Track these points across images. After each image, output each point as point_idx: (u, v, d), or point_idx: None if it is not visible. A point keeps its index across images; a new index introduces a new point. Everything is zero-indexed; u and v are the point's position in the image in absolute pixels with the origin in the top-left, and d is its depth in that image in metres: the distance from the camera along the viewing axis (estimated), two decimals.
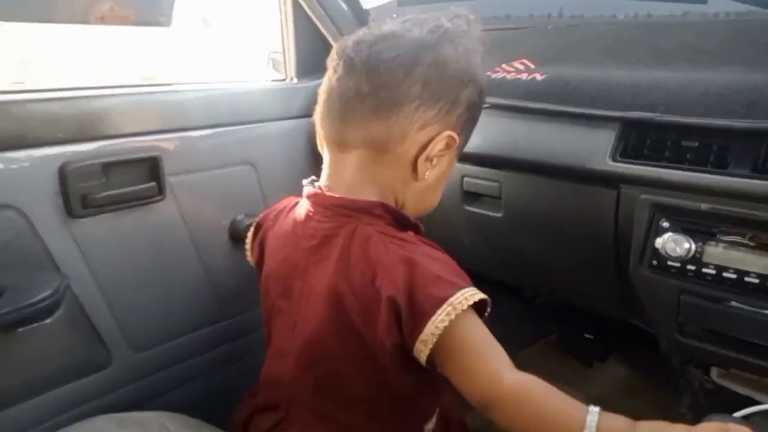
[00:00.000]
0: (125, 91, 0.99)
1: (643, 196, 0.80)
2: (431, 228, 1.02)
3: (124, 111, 0.97)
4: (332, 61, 0.72)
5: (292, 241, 0.75)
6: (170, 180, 1.03)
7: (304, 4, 1.17)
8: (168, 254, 1.06)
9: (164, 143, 1.02)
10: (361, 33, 0.71)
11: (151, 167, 1.00)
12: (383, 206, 0.70)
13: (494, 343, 0.64)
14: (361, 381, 0.72)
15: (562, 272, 1.00)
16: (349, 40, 0.71)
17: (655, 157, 0.79)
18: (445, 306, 0.61)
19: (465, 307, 0.62)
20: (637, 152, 0.80)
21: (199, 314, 1.13)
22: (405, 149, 0.69)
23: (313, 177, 0.78)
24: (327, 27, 1.22)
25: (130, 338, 1.04)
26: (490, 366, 0.62)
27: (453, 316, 0.61)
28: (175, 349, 1.10)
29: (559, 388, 1.45)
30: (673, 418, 1.14)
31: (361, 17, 1.26)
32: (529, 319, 1.51)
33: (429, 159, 0.70)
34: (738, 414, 0.63)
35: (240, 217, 1.15)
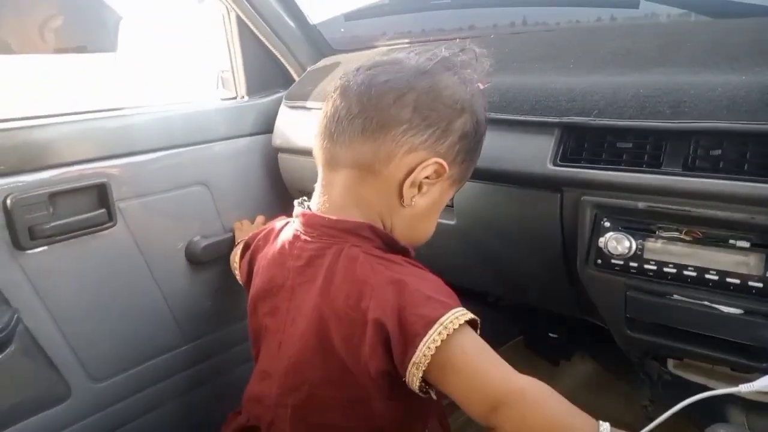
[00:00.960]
0: (69, 119, 0.98)
1: (584, 198, 0.82)
2: None
3: (68, 139, 0.96)
4: (335, 85, 0.73)
5: (279, 261, 0.75)
6: (120, 205, 1.02)
7: (248, 22, 1.18)
8: (123, 281, 1.05)
9: (112, 169, 1.01)
10: (363, 61, 0.73)
11: (99, 194, 0.99)
12: (371, 228, 0.70)
13: (493, 355, 0.63)
14: (341, 409, 0.71)
15: (517, 275, 1.02)
16: (353, 66, 0.72)
17: (594, 159, 0.81)
18: (436, 326, 0.60)
19: (456, 326, 0.61)
20: (576, 155, 0.83)
21: (159, 340, 1.12)
22: (391, 172, 0.68)
23: (304, 198, 0.78)
24: (274, 43, 1.22)
25: (89, 368, 1.02)
26: (498, 371, 0.61)
27: (444, 336, 0.60)
28: (137, 376, 1.09)
29: None
30: (637, 410, 1.18)
31: (308, 32, 1.26)
32: (494, 322, 1.52)
33: (415, 185, 0.69)
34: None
35: (196, 238, 1.14)
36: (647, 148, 0.78)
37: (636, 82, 0.81)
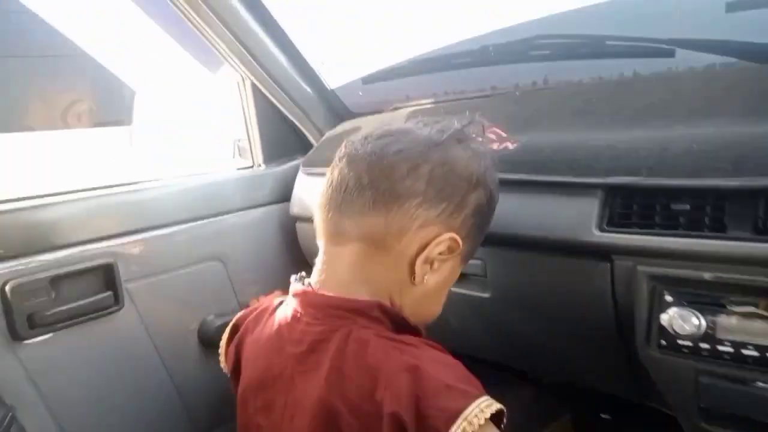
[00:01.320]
0: (74, 197, 0.93)
1: (639, 268, 0.72)
2: None
3: (73, 218, 0.91)
4: (339, 153, 0.69)
5: (275, 347, 0.68)
6: (128, 287, 0.96)
7: (264, 90, 1.14)
8: (130, 368, 0.97)
9: (119, 248, 0.95)
10: (371, 129, 0.69)
11: (106, 275, 0.93)
12: (381, 307, 0.64)
13: None
14: None
15: (563, 354, 0.91)
16: (358, 135, 0.69)
17: (645, 223, 0.72)
18: (459, 421, 0.53)
19: (482, 421, 0.54)
20: (625, 219, 0.73)
21: (170, 430, 1.02)
22: (403, 247, 0.64)
23: (302, 273, 0.71)
24: (290, 110, 1.18)
25: None
26: None
27: None
28: None
29: None
30: None
31: (325, 97, 1.22)
32: (538, 400, 1.39)
33: (428, 261, 0.65)
34: None
35: (210, 317, 1.06)
36: (707, 209, 0.68)
37: (685, 136, 0.73)
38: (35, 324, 0.85)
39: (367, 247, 0.64)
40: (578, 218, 0.76)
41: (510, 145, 0.87)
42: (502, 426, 0.58)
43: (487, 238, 0.87)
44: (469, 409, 0.54)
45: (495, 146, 0.89)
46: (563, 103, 0.94)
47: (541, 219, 0.80)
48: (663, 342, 0.71)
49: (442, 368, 0.58)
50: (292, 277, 0.71)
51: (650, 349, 0.73)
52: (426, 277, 0.65)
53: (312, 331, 0.63)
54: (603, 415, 1.25)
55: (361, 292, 0.64)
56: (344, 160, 0.67)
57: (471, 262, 0.91)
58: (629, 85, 0.94)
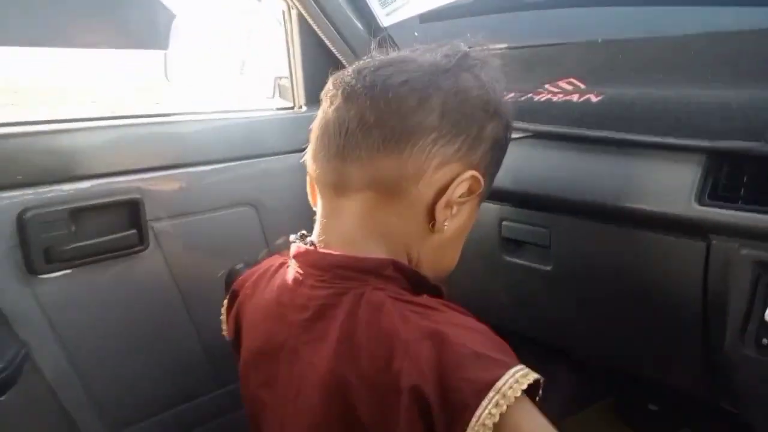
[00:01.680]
0: (100, 124, 0.85)
1: (743, 251, 0.60)
2: (459, 283, 0.84)
3: (98, 148, 0.84)
4: (327, 92, 0.59)
5: (276, 314, 0.59)
6: (154, 226, 0.89)
7: (312, 22, 1.03)
8: (152, 314, 0.91)
9: (147, 183, 0.87)
10: (362, 62, 0.60)
11: (131, 212, 0.86)
12: (395, 265, 0.55)
13: None
14: None
15: (628, 342, 0.80)
16: (348, 69, 0.59)
17: (756, 199, 0.60)
18: (491, 394, 0.46)
19: (518, 393, 0.46)
20: (732, 193, 0.61)
21: (189, 383, 0.97)
22: (420, 192, 0.55)
23: (303, 231, 0.62)
24: (339, 47, 1.07)
25: (106, 415, 0.89)
26: None
27: (504, 408, 0.45)
28: (161, 424, 0.95)
29: None
30: None
31: (378, 36, 1.11)
32: (580, 382, 1.30)
33: (449, 205, 0.57)
34: None
35: (239, 266, 0.98)
36: None
37: None
38: (52, 258, 0.79)
39: (378, 196, 0.56)
40: (673, 187, 0.64)
41: (593, 98, 0.76)
42: (537, 399, 0.50)
43: (557, 203, 0.77)
44: (503, 379, 0.46)
45: (575, 98, 0.78)
46: (659, 55, 0.81)
47: (625, 185, 0.69)
48: (764, 341, 0.60)
49: (470, 334, 0.51)
50: (292, 236, 0.62)
51: (744, 347, 0.62)
52: (446, 223, 0.57)
53: (317, 296, 0.55)
54: (651, 406, 1.16)
55: (373, 248, 0.57)
56: (339, 98, 0.56)
57: (532, 229, 0.82)
58: (733, 39, 0.80)
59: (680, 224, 0.64)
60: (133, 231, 0.86)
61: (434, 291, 0.58)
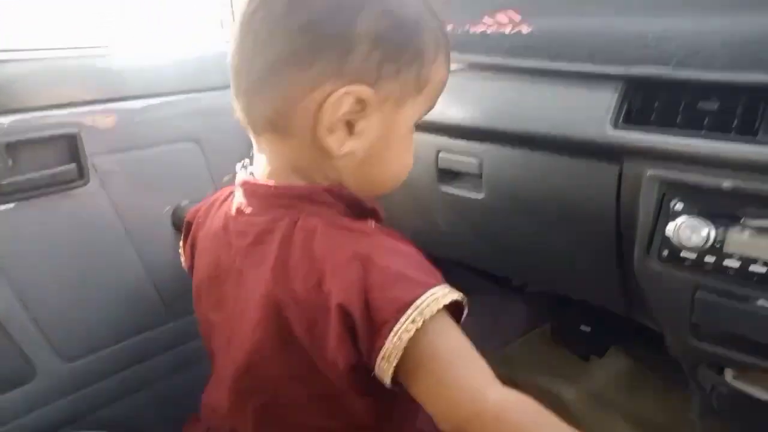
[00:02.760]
0: (35, 56, 0.83)
1: (650, 172, 0.65)
2: (400, 211, 0.88)
3: (34, 80, 0.82)
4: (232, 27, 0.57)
5: (222, 241, 0.62)
6: (94, 161, 0.88)
7: None
8: (98, 248, 0.92)
9: (86, 118, 0.86)
10: None
11: (69, 146, 0.85)
12: (329, 190, 0.56)
13: (473, 353, 0.51)
14: (311, 408, 0.59)
15: (554, 262, 0.86)
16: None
17: (666, 122, 0.64)
18: (410, 311, 0.48)
19: (434, 311, 0.49)
20: (644, 117, 0.66)
21: (139, 317, 0.99)
22: (301, 124, 0.53)
23: (247, 161, 0.63)
24: None
25: (58, 347, 0.90)
26: (470, 381, 0.49)
27: (420, 323, 0.48)
28: (113, 356, 0.97)
29: (553, 381, 1.30)
30: (682, 421, 1.03)
31: None
32: (518, 308, 1.38)
33: (334, 129, 0.53)
34: None
35: (185, 203, 1.00)
36: (738, 110, 0.61)
37: (725, 28, 0.64)
38: None
39: (276, 136, 0.55)
40: (592, 113, 0.68)
41: (524, 29, 0.78)
42: (462, 318, 0.53)
43: (487, 133, 0.81)
44: (422, 298, 0.49)
45: (507, 30, 0.80)
46: None
47: (550, 113, 0.72)
48: (665, 253, 0.66)
49: (396, 256, 0.53)
50: (237, 165, 0.63)
51: (649, 260, 0.68)
52: (348, 145, 0.54)
53: (256, 222, 0.57)
54: (583, 327, 1.25)
55: (294, 180, 0.57)
56: (236, 35, 0.55)
57: (465, 159, 0.85)
58: None
59: (597, 147, 0.68)
60: (72, 165, 0.85)
61: (372, 214, 0.59)
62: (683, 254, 0.64)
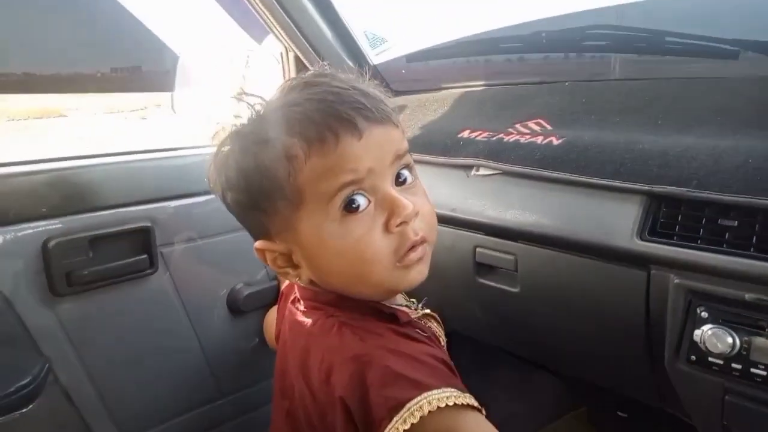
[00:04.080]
0: (114, 160, 0.94)
1: (677, 281, 0.70)
2: (440, 300, 0.93)
3: (113, 181, 0.93)
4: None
5: (286, 334, 0.71)
6: (163, 251, 0.98)
7: (306, 62, 1.13)
8: (160, 329, 1.00)
9: (157, 212, 0.97)
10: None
11: (143, 238, 0.95)
12: (340, 297, 0.63)
13: None
14: None
15: (587, 355, 0.90)
16: None
17: (689, 236, 0.69)
18: (403, 411, 0.51)
19: (426, 413, 0.51)
20: (668, 230, 0.71)
21: (194, 393, 1.06)
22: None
23: None
24: None
25: (120, 423, 0.97)
26: None
27: (408, 425, 0.50)
28: (169, 430, 1.03)
29: None
30: None
31: (368, 73, 1.20)
32: (555, 389, 1.39)
33: (283, 274, 0.65)
34: None
35: (239, 286, 1.08)
36: (757, 228, 0.65)
37: (741, 149, 0.70)
38: (73, 282, 0.88)
39: None
40: (618, 224, 0.74)
41: (555, 141, 0.85)
42: (475, 421, 0.54)
43: (521, 234, 0.87)
44: (416, 399, 0.51)
45: (539, 140, 0.88)
46: (614, 99, 0.91)
47: (579, 221, 0.78)
48: (693, 357, 0.69)
49: (398, 358, 0.56)
50: None
51: (679, 363, 0.72)
52: (303, 272, 0.63)
53: (299, 320, 0.66)
54: (620, 413, 1.25)
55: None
56: None
57: (501, 255, 0.91)
58: (685, 86, 0.90)
59: (625, 256, 0.74)
60: (145, 256, 0.95)
61: (390, 318, 0.63)
62: (711, 359, 0.68)
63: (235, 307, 1.07)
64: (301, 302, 0.67)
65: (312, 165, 0.56)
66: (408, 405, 0.51)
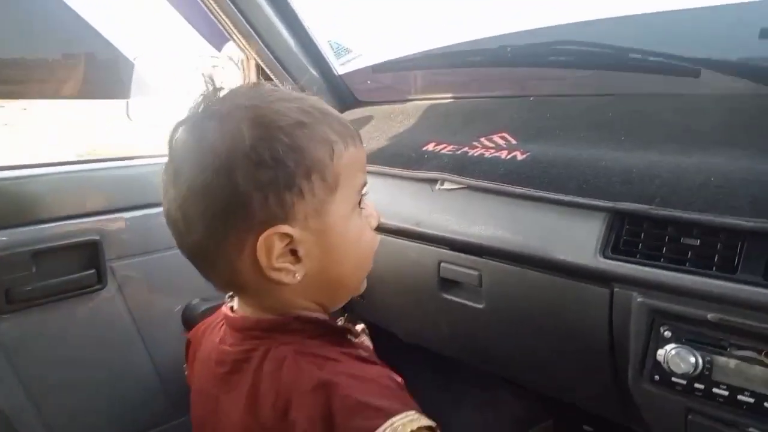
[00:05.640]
0: (61, 170, 0.89)
1: (640, 299, 0.69)
2: (402, 315, 0.91)
3: (59, 192, 0.88)
4: None
5: (206, 367, 0.65)
6: (113, 265, 0.93)
7: (267, 70, 1.10)
8: (110, 349, 0.95)
9: (106, 225, 0.92)
10: None
11: (90, 253, 0.90)
12: (298, 318, 0.59)
13: None
14: None
15: (551, 370, 0.89)
16: None
17: (651, 254, 0.69)
18: None
19: None
20: (631, 247, 0.70)
21: (147, 414, 1.01)
22: (250, 279, 0.55)
23: (231, 293, 0.65)
24: None
25: None
26: None
27: None
28: None
29: None
30: None
31: (332, 83, 1.18)
32: (521, 404, 1.38)
33: (277, 269, 0.55)
34: None
35: (195, 301, 1.04)
36: (719, 247, 0.65)
37: (703, 167, 0.70)
38: (13, 299, 0.83)
39: (238, 293, 0.61)
40: (581, 241, 0.73)
41: (519, 155, 0.84)
42: None
43: (485, 249, 0.85)
44: (382, 428, 0.50)
45: (503, 155, 0.87)
46: (578, 115, 0.91)
47: (543, 238, 0.77)
48: (656, 377, 0.69)
49: (359, 383, 0.54)
50: (227, 296, 0.66)
51: (642, 382, 0.71)
52: (302, 267, 0.56)
53: (233, 352, 0.60)
54: (585, 427, 1.24)
55: (269, 312, 0.59)
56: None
57: (466, 271, 0.89)
58: (649, 103, 0.90)
59: (588, 273, 0.72)
60: (93, 271, 0.90)
61: (342, 333, 0.61)
62: (674, 379, 0.67)
63: (191, 323, 1.02)
64: (230, 337, 0.61)
65: (350, 154, 0.58)
66: None
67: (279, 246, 0.54)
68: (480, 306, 0.88)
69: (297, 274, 0.56)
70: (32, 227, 0.85)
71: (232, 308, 0.64)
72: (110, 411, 0.96)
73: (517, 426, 1.40)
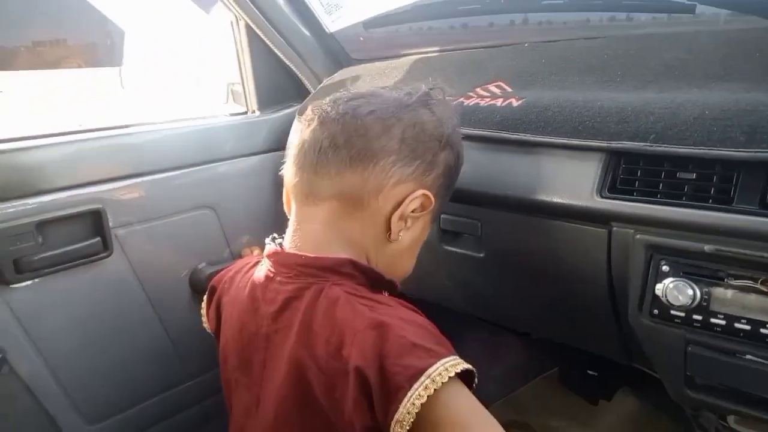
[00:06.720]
0: (60, 140, 0.90)
1: (638, 236, 0.70)
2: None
3: (59, 162, 0.88)
4: (306, 116, 0.68)
5: (250, 307, 0.68)
6: (117, 233, 0.94)
7: (259, 32, 1.08)
8: (120, 314, 0.97)
9: (108, 193, 0.92)
10: (338, 93, 0.69)
11: (94, 221, 0.91)
12: (353, 263, 0.64)
13: (486, 416, 0.55)
14: None
15: (553, 316, 0.90)
16: (326, 99, 0.69)
17: (649, 191, 0.69)
18: (422, 378, 0.53)
19: (446, 379, 0.54)
20: (628, 186, 0.71)
21: (160, 377, 1.03)
22: (379, 204, 0.65)
23: (275, 234, 0.71)
24: (287, 54, 1.13)
25: (83, 410, 0.94)
26: None
27: (432, 390, 0.53)
28: (136, 416, 1.01)
29: (563, 425, 1.31)
30: None
31: (325, 41, 1.17)
32: (526, 353, 1.41)
33: (403, 218, 0.66)
34: None
35: (201, 265, 1.06)
36: (714, 180, 0.66)
37: (698, 101, 0.69)
38: (22, 269, 0.84)
39: (343, 205, 0.65)
40: (578, 182, 0.73)
41: (514, 102, 0.84)
42: (474, 385, 0.58)
43: (484, 198, 0.86)
44: (434, 367, 0.54)
45: (498, 102, 0.86)
46: (574, 59, 0.90)
47: (540, 181, 0.78)
48: (655, 311, 0.70)
49: (411, 327, 0.58)
50: (267, 239, 0.71)
51: (642, 317, 0.72)
52: (401, 233, 0.67)
53: (284, 290, 0.64)
54: (590, 372, 1.27)
55: (336, 250, 0.65)
56: (315, 121, 0.66)
57: (465, 221, 0.90)
58: (644, 43, 0.89)
59: (586, 214, 0.73)
60: (97, 239, 0.91)
61: (389, 286, 0.67)
62: (673, 312, 0.69)
63: (199, 287, 1.04)
64: (279, 275, 0.65)
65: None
66: (427, 372, 0.54)
67: (416, 206, 0.66)
68: (480, 255, 0.89)
69: (401, 233, 0.66)
70: (35, 198, 0.85)
71: (280, 246, 0.68)
72: (124, 375, 0.98)
73: (521, 375, 1.44)
